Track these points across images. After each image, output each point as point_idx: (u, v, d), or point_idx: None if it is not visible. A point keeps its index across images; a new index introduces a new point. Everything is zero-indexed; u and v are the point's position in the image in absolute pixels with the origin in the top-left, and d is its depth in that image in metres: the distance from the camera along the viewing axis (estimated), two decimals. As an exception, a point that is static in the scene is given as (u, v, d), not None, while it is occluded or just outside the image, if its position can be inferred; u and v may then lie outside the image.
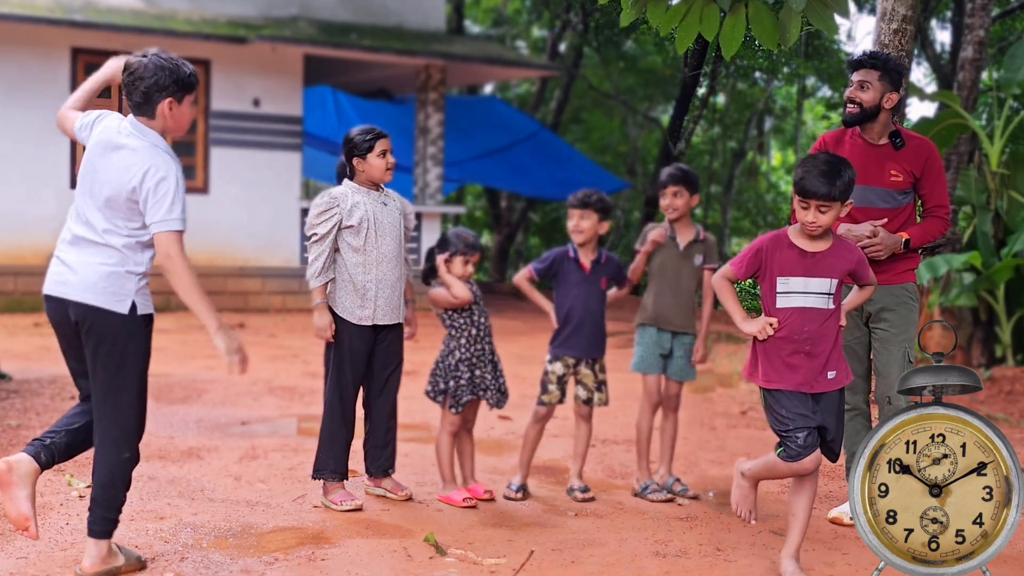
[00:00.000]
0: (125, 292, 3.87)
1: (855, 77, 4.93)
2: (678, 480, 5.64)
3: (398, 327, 5.30)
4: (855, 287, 4.33)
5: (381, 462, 5.32)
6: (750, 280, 4.46)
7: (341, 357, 5.15)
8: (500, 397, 5.33)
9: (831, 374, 4.11)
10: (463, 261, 5.26)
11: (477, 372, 5.27)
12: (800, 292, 4.06)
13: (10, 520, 3.94)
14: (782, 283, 4.08)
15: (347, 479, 5.21)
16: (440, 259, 5.27)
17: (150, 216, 3.83)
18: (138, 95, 3.90)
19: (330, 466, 5.14)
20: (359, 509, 5.06)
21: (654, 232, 5.57)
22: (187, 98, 3.98)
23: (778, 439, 4.13)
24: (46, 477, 5.37)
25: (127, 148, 3.89)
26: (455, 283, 5.20)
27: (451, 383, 5.24)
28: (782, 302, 4.08)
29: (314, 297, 5.15)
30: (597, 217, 5.41)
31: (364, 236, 5.13)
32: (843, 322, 4.19)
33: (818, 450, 4.09)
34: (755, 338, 4.11)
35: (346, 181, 5.25)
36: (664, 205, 5.55)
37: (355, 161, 5.18)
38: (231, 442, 6.47)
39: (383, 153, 5.15)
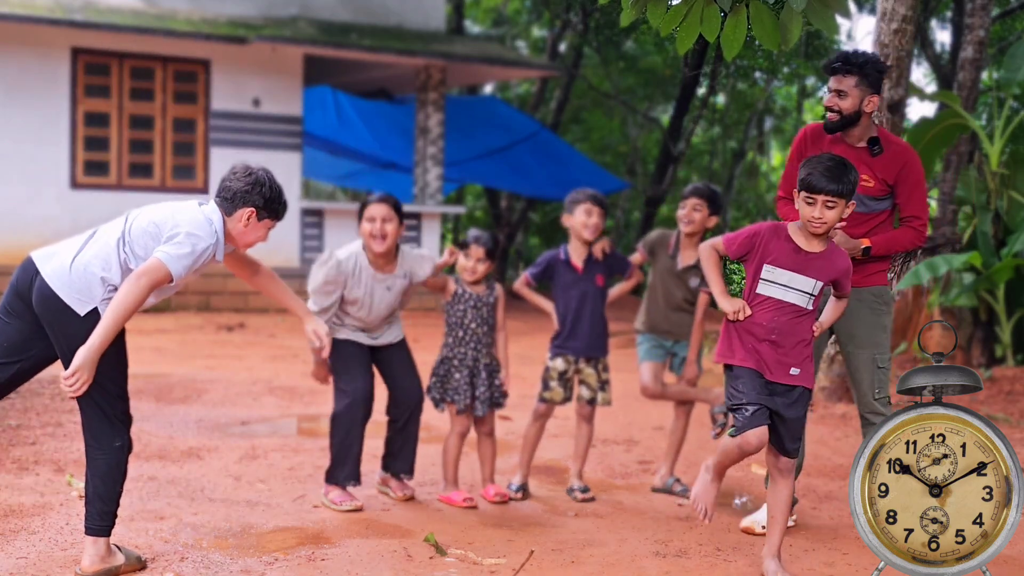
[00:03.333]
0: (92, 296, 3.87)
1: (831, 84, 4.71)
2: (678, 480, 5.65)
3: (400, 342, 5.33)
4: (831, 299, 4.30)
5: (398, 465, 5.31)
6: (738, 275, 4.46)
7: (346, 364, 5.13)
8: (471, 403, 5.29)
9: (794, 371, 4.11)
10: (464, 255, 5.34)
11: (456, 376, 5.28)
12: (783, 285, 4.09)
13: None
14: (768, 271, 4.11)
15: (360, 483, 5.19)
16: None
17: (162, 247, 3.86)
18: (228, 192, 4.06)
19: (343, 474, 5.12)
20: (359, 509, 5.06)
21: (633, 256, 5.68)
22: (266, 221, 4.12)
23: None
24: (46, 477, 5.37)
25: (189, 203, 4.04)
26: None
27: (432, 379, 5.32)
28: (763, 289, 4.12)
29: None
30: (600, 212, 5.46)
31: (359, 306, 5.14)
32: (817, 331, 4.18)
33: (764, 429, 4.05)
34: (728, 319, 4.15)
35: (359, 244, 5.17)
36: (681, 215, 5.53)
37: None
38: (231, 442, 6.47)
39: (371, 219, 5.07)
